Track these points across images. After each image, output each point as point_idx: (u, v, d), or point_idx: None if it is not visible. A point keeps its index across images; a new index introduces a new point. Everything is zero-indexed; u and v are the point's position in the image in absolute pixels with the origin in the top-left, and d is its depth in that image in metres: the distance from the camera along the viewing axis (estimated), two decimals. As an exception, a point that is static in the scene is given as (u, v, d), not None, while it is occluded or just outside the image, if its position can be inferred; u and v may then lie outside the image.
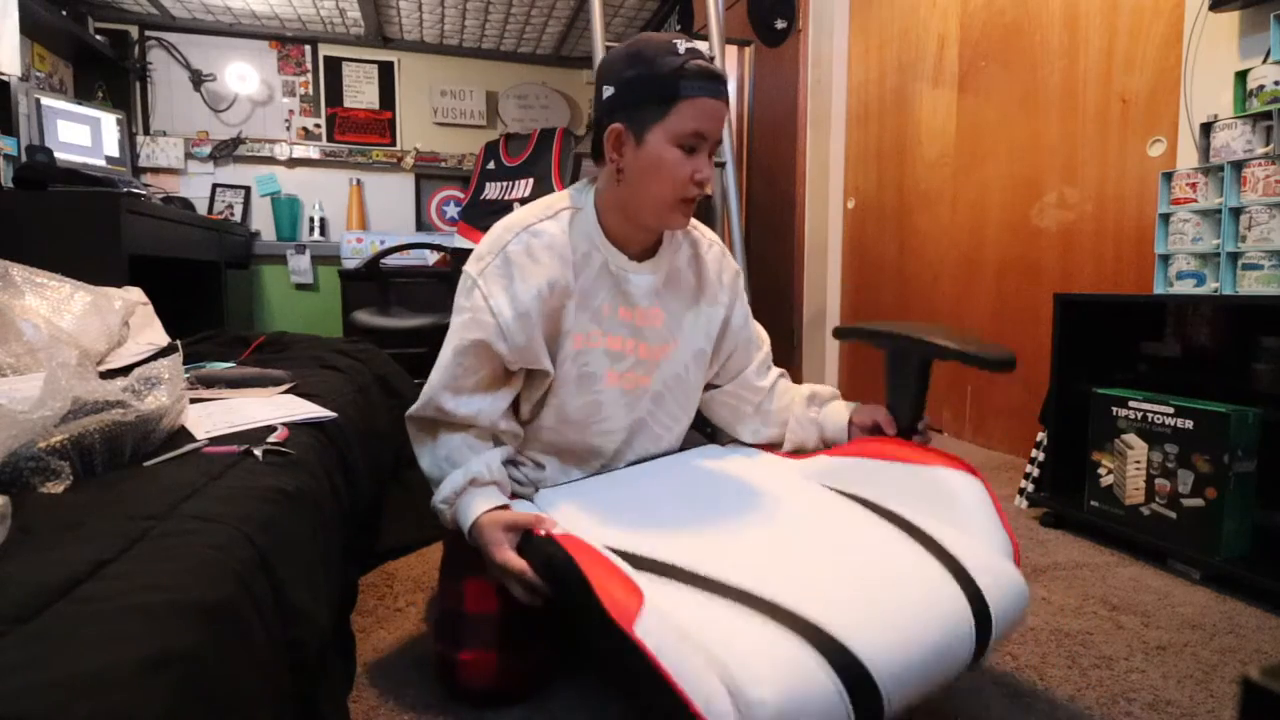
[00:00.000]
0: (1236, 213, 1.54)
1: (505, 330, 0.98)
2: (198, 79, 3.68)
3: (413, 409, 1.05)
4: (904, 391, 1.12)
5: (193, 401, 1.03)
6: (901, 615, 0.74)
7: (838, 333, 1.31)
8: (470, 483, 0.97)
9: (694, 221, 1.15)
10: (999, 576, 0.83)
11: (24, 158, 2.45)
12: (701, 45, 0.97)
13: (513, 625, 0.98)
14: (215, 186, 3.74)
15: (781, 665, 0.65)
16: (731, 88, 3.92)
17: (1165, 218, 1.68)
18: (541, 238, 1.01)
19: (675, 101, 0.94)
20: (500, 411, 1.03)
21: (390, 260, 3.03)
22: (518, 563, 0.89)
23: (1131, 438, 1.56)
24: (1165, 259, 1.68)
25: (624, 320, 1.07)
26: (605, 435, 1.11)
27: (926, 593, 0.78)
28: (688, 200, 1.00)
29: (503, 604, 0.98)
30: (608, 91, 0.99)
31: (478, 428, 1.03)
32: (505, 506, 0.96)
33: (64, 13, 3.09)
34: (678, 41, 0.96)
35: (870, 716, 0.66)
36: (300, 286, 3.87)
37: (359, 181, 3.94)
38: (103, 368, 1.22)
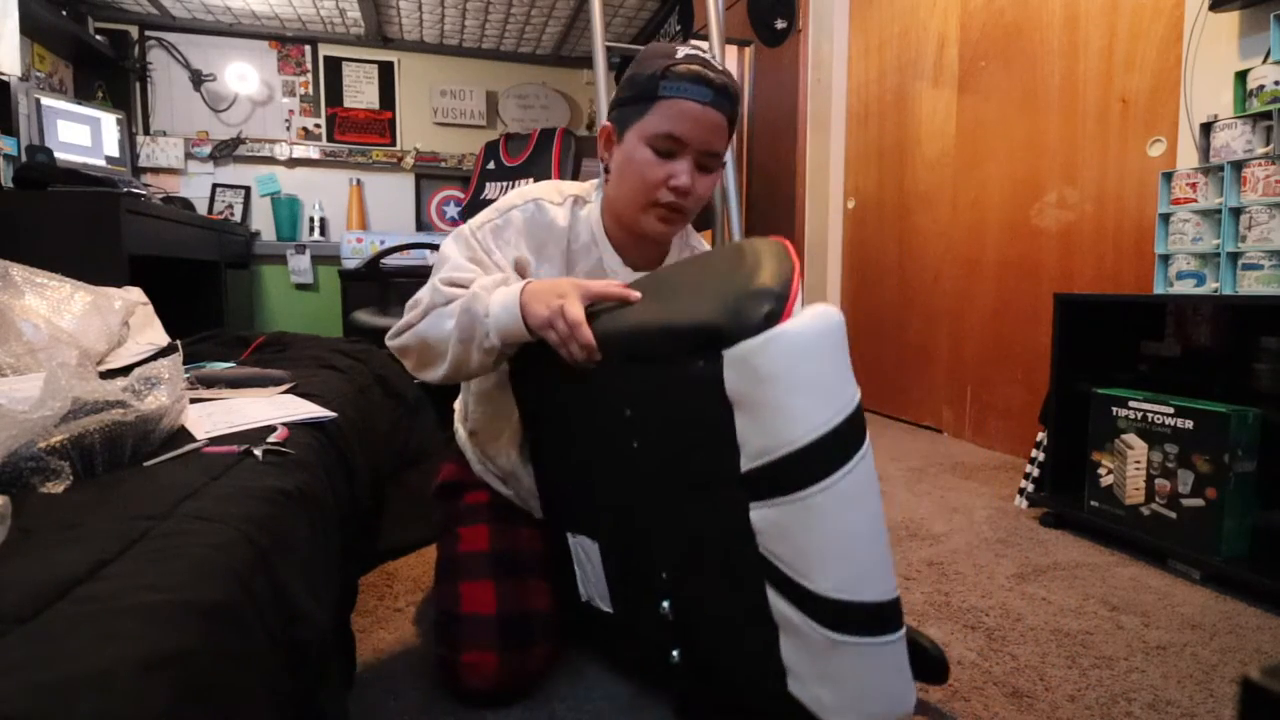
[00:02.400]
0: (1236, 213, 1.54)
1: (501, 268, 0.99)
2: (198, 79, 3.68)
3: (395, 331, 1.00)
4: None
5: (193, 401, 1.03)
6: None
7: None
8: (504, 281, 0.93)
9: (692, 239, 1.16)
10: None
11: (24, 158, 2.45)
12: (703, 47, 0.97)
13: (511, 625, 0.98)
14: (215, 186, 3.74)
15: None
16: (731, 88, 3.92)
17: (1165, 218, 1.68)
18: (542, 214, 1.02)
19: (654, 101, 0.93)
20: None
21: (390, 260, 3.03)
22: (581, 316, 0.83)
23: (1131, 438, 1.56)
24: (1165, 259, 1.68)
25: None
26: None
27: None
28: (661, 205, 0.97)
29: (499, 605, 0.99)
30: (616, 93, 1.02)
31: None
32: None
33: (64, 13, 3.09)
34: (681, 47, 0.95)
35: None
36: (300, 286, 3.87)
37: (359, 181, 3.94)
38: (103, 368, 1.22)
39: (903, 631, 0.75)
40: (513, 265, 1.00)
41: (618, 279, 1.01)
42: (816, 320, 0.71)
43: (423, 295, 0.98)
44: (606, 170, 1.02)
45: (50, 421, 0.67)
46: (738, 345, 0.71)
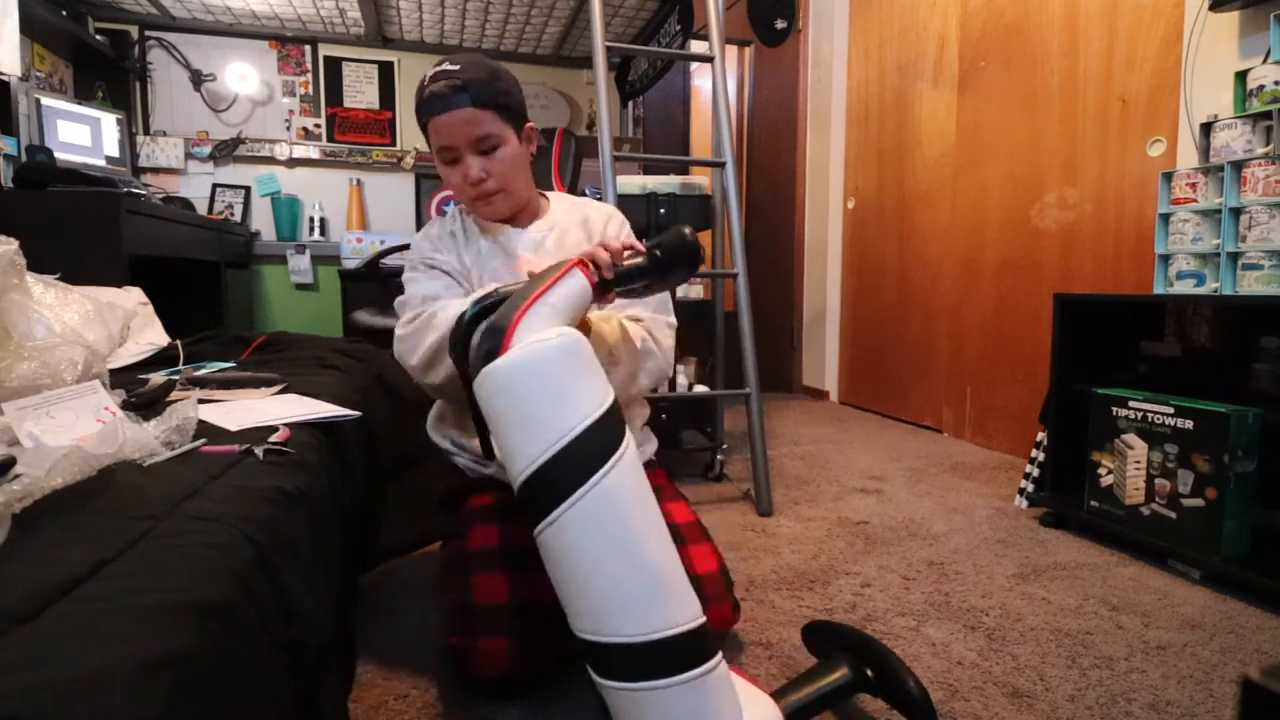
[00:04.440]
0: (1236, 213, 1.54)
1: (449, 269, 1.17)
2: (198, 79, 3.68)
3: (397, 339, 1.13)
4: None
5: (207, 402, 1.04)
6: None
7: None
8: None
9: (583, 199, 1.31)
10: None
11: (24, 158, 2.45)
12: (459, 62, 1.08)
13: (523, 614, 1.00)
14: (215, 186, 3.73)
15: None
16: (731, 87, 3.92)
17: (1165, 218, 1.68)
18: (439, 226, 1.23)
19: (426, 128, 1.11)
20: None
21: (390, 260, 3.03)
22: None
23: (1131, 438, 1.56)
24: (1165, 259, 1.68)
25: (514, 274, 1.17)
26: None
27: None
28: (475, 198, 1.14)
29: (512, 594, 1.01)
30: None
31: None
32: None
33: (64, 13, 3.09)
34: (432, 69, 1.09)
35: None
36: (300, 286, 3.87)
37: (359, 181, 3.94)
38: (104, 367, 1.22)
39: (698, 672, 0.66)
40: (455, 267, 1.17)
41: (510, 236, 1.19)
42: (526, 352, 0.70)
43: (409, 301, 1.15)
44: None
45: (102, 463, 0.69)
46: (475, 382, 0.74)
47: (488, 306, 0.82)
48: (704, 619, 0.70)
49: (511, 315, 0.73)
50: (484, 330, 0.75)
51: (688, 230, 0.88)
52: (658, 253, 0.88)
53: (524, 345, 0.71)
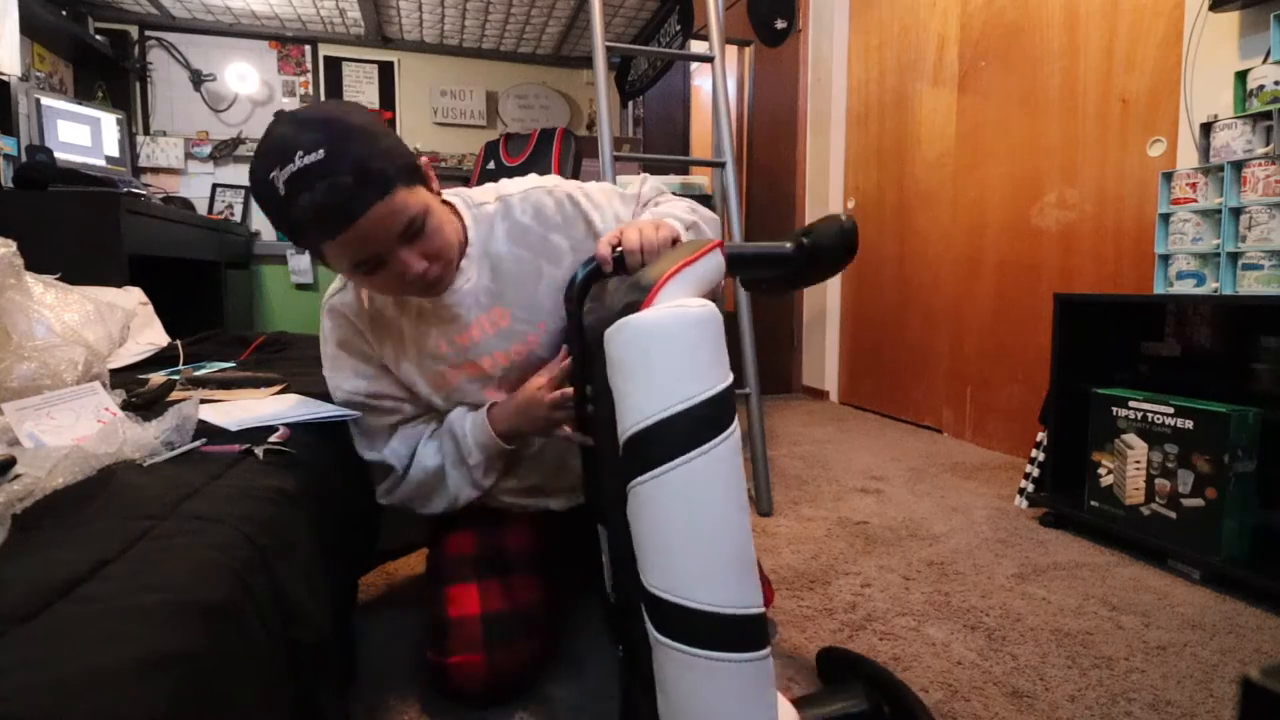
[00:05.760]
0: (1236, 213, 1.54)
1: (374, 395, 1.03)
2: (198, 79, 3.68)
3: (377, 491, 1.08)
4: None
5: (207, 402, 1.04)
6: None
7: None
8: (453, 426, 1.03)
9: (480, 192, 1.02)
10: None
11: (24, 158, 2.44)
12: (314, 141, 0.75)
13: (496, 626, 0.99)
14: (215, 186, 3.74)
15: None
16: (731, 87, 3.92)
17: (1165, 218, 1.68)
18: (337, 313, 1.01)
19: (318, 250, 0.81)
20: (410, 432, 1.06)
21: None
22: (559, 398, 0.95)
23: (1131, 438, 1.56)
24: (1165, 259, 1.68)
25: (472, 341, 0.98)
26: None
27: None
28: (424, 291, 0.90)
29: (483, 605, 0.99)
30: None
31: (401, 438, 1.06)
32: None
33: (64, 13, 3.09)
34: (279, 170, 0.75)
35: None
36: (300, 286, 3.87)
37: (359, 181, 3.95)
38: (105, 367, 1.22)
39: (752, 656, 0.68)
40: (370, 380, 1.02)
41: (444, 303, 0.95)
42: (667, 313, 0.72)
43: (373, 467, 1.05)
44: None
45: (102, 463, 0.69)
46: (610, 328, 0.75)
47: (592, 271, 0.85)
48: (764, 609, 0.71)
49: (658, 275, 0.75)
50: (629, 283, 0.76)
51: (845, 218, 0.85)
52: (805, 241, 0.85)
53: (668, 305, 0.72)
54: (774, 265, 0.89)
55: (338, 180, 0.75)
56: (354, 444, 1.04)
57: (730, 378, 0.73)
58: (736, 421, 0.73)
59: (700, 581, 0.69)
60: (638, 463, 0.71)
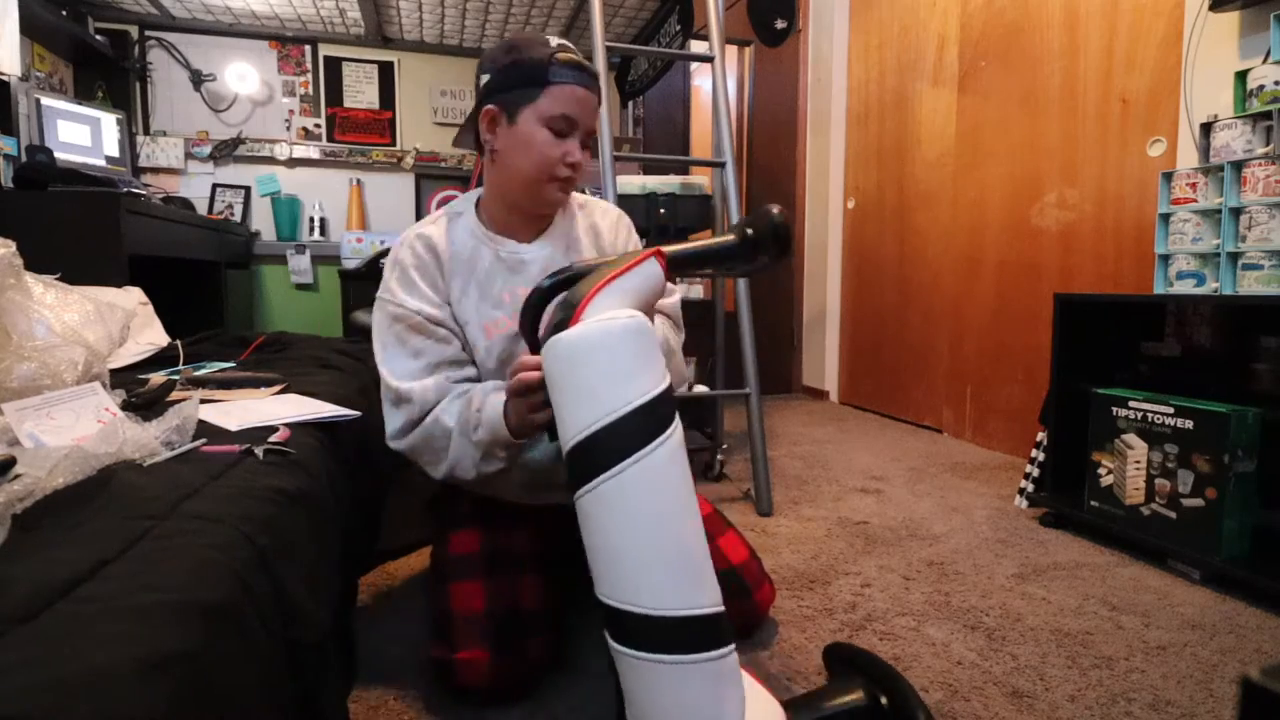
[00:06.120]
0: (1236, 213, 1.54)
1: (434, 320, 1.06)
2: (198, 79, 3.68)
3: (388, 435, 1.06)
4: None
5: (207, 402, 1.04)
6: None
7: None
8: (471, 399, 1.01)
9: (585, 197, 1.23)
10: None
11: (24, 158, 2.44)
12: (559, 42, 1.03)
13: (501, 622, 0.99)
14: (215, 186, 3.73)
15: None
16: (731, 87, 3.92)
17: (1165, 218, 1.68)
18: (423, 241, 1.08)
19: (546, 86, 1.00)
20: (443, 381, 1.06)
21: (390, 260, 3.03)
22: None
23: (1131, 438, 1.55)
24: (1165, 259, 1.68)
25: (517, 299, 1.08)
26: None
27: None
28: (558, 179, 1.05)
29: (489, 603, 1.00)
30: (484, 79, 1.05)
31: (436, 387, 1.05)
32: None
33: (64, 13, 3.08)
34: (550, 37, 1.03)
35: None
36: (300, 286, 3.86)
37: (359, 181, 3.94)
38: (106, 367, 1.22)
39: (706, 656, 0.68)
40: (435, 307, 1.06)
41: (520, 257, 1.10)
42: (593, 326, 0.73)
43: (394, 394, 1.04)
44: (494, 152, 1.06)
45: (102, 463, 0.69)
46: (544, 347, 0.77)
47: (562, 281, 0.85)
48: (722, 609, 0.71)
49: (585, 291, 0.76)
50: (559, 302, 0.79)
51: (776, 210, 0.87)
52: (749, 232, 0.87)
53: (594, 320, 0.74)
54: (720, 261, 0.90)
55: (588, 67, 1.03)
56: (385, 376, 1.04)
57: (664, 383, 0.74)
58: (677, 424, 0.74)
59: (644, 586, 0.69)
60: (578, 475, 0.72)
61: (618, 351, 0.73)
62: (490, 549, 1.08)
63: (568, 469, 0.73)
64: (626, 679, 0.70)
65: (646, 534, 0.70)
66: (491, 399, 1.00)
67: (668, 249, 0.87)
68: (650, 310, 0.90)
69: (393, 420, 1.05)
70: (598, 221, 1.20)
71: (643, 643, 0.68)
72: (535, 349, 0.85)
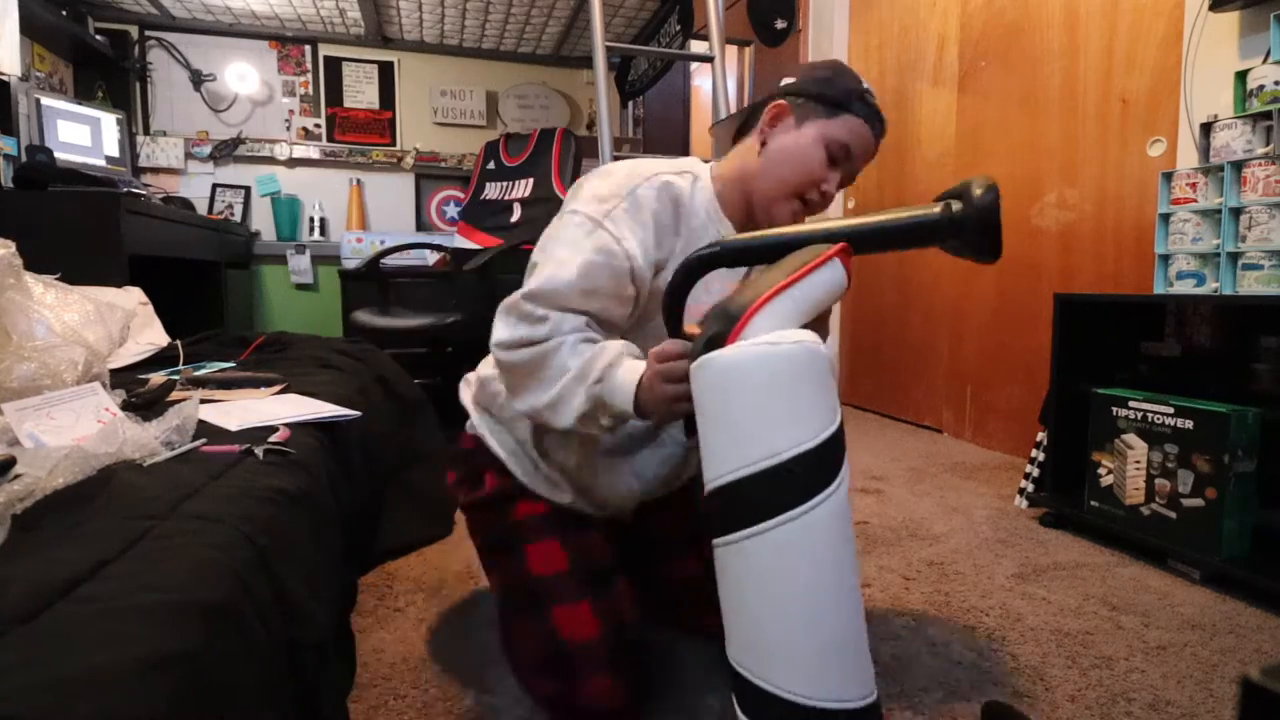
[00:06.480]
0: (1236, 213, 1.54)
1: (637, 274, 0.92)
2: (198, 79, 3.68)
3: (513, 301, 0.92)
4: None
5: (207, 402, 1.04)
6: None
7: None
8: (616, 357, 0.87)
9: None
10: None
11: (24, 158, 2.44)
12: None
13: (616, 641, 0.95)
14: (215, 186, 3.73)
15: None
16: (731, 88, 3.92)
17: (1165, 218, 1.68)
18: (670, 191, 0.98)
19: (843, 113, 1.00)
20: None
21: (390, 260, 3.03)
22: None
23: (1131, 438, 1.55)
24: (1165, 259, 1.68)
25: (709, 289, 0.98)
26: None
27: None
28: (801, 200, 1.01)
29: (602, 624, 0.95)
30: (790, 81, 1.04)
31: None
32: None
33: (64, 13, 3.08)
34: (865, 82, 1.04)
35: None
36: (300, 286, 3.86)
37: (359, 181, 3.94)
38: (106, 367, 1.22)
39: None
40: (645, 263, 0.94)
41: None
42: (752, 353, 0.61)
43: (545, 293, 0.90)
44: (764, 144, 1.01)
45: (102, 463, 0.69)
46: (693, 364, 0.66)
47: (710, 258, 0.73)
48: (875, 698, 0.62)
49: (748, 301, 0.63)
50: (716, 310, 0.66)
51: (980, 190, 0.77)
52: (955, 208, 0.76)
53: (754, 343, 0.61)
54: (919, 238, 0.77)
55: (884, 119, 1.04)
56: (539, 282, 0.89)
57: (835, 424, 0.62)
58: (845, 474, 0.62)
59: (784, 665, 0.59)
60: (719, 521, 0.62)
61: (779, 387, 0.60)
62: (580, 562, 1.01)
63: (707, 508, 0.63)
64: None
65: (795, 607, 0.59)
66: (630, 362, 0.87)
67: (848, 224, 0.74)
68: (825, 321, 0.78)
69: (512, 329, 0.90)
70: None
71: None
72: (675, 335, 0.75)
